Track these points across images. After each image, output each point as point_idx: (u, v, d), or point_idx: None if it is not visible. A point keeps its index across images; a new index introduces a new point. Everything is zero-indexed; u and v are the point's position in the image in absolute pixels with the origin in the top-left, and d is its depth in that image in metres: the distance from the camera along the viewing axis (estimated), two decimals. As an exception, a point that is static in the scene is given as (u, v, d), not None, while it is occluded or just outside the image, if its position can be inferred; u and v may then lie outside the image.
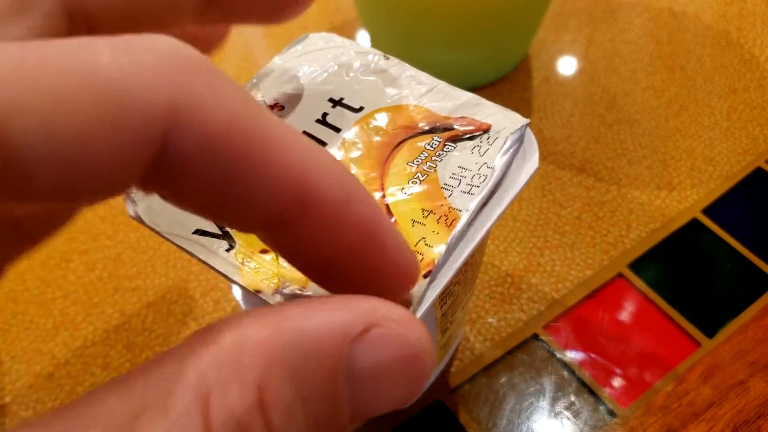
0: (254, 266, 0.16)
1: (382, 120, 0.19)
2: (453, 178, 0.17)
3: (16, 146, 0.08)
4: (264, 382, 0.09)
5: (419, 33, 0.33)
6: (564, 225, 0.31)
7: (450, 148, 0.18)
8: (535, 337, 0.28)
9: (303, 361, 0.09)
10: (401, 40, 0.34)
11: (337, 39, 0.22)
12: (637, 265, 0.30)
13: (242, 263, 0.16)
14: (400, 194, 0.17)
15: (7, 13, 0.12)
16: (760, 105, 0.36)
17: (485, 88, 0.37)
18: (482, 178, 0.17)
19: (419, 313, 0.15)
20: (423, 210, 0.17)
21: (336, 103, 0.19)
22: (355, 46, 0.21)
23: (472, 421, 0.26)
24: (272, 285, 0.16)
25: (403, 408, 0.10)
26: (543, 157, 0.34)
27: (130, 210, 0.17)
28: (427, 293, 0.16)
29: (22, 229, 0.14)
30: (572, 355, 0.27)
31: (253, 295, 0.16)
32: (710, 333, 0.28)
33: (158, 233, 0.17)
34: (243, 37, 0.41)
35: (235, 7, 0.15)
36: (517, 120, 0.18)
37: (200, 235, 0.17)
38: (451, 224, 0.16)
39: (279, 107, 0.20)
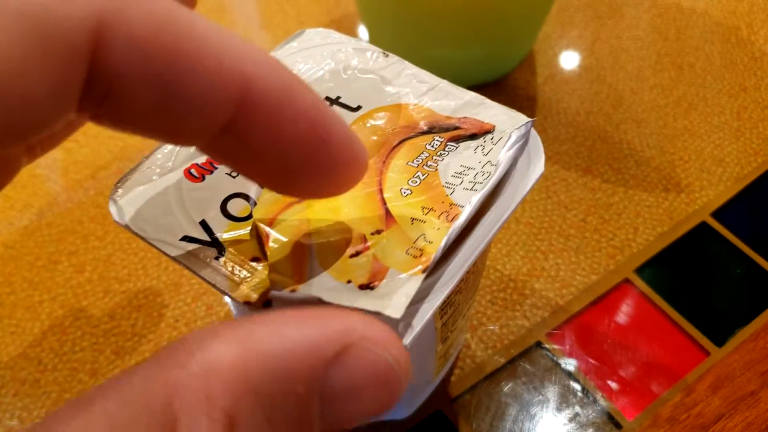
0: (244, 275, 0.15)
1: (380, 119, 0.18)
2: (455, 177, 0.17)
3: None
4: (234, 413, 0.08)
5: (420, 28, 0.32)
6: (569, 228, 0.30)
7: (452, 147, 0.17)
8: (539, 344, 0.27)
9: (275, 387, 0.09)
10: (401, 36, 0.33)
11: (334, 35, 0.21)
12: (644, 270, 0.29)
13: (232, 272, 0.15)
14: (399, 193, 0.16)
15: None
16: (771, 104, 0.35)
17: (487, 86, 0.36)
18: (485, 175, 0.17)
19: (409, 339, 0.14)
20: (423, 208, 0.16)
21: (333, 101, 0.19)
22: (353, 43, 0.20)
23: (472, 432, 0.25)
24: (261, 294, 0.15)
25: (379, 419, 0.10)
26: (547, 157, 0.33)
27: (115, 215, 0.16)
28: (425, 306, 0.15)
29: None
30: (577, 364, 0.26)
31: (243, 306, 0.16)
32: (719, 342, 0.27)
33: (144, 239, 0.16)
34: (237, 33, 0.40)
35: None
36: (522, 120, 0.18)
37: (188, 242, 0.16)
38: (452, 219, 0.16)
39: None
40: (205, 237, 0.16)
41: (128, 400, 0.08)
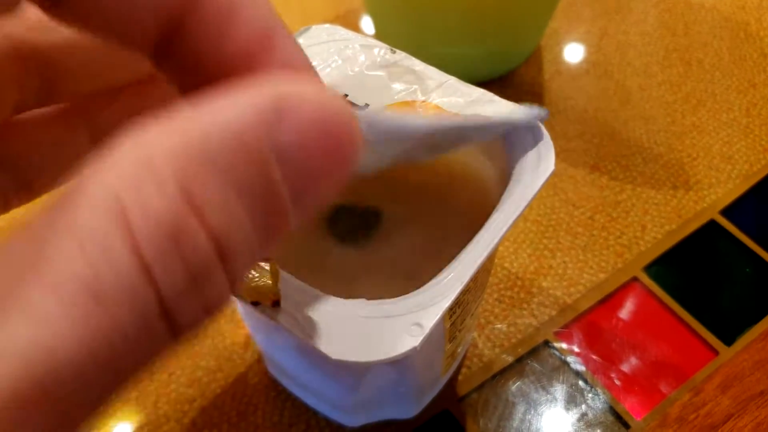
0: (252, 275, 0.15)
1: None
2: None
3: None
4: (187, 182, 0.08)
5: (427, 23, 0.32)
6: (576, 226, 0.30)
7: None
8: (546, 343, 0.27)
9: (226, 155, 0.08)
10: (408, 31, 0.33)
11: (341, 31, 0.20)
12: (652, 269, 0.29)
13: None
14: None
15: None
16: (781, 101, 0.35)
17: (493, 82, 0.36)
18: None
19: (420, 340, 0.14)
20: None
21: (340, 99, 0.18)
22: (360, 39, 0.20)
23: (480, 431, 0.25)
24: (270, 294, 0.15)
25: (334, 196, 0.10)
26: (555, 155, 0.33)
27: None
28: (435, 306, 0.15)
29: (17, 174, 0.13)
30: (585, 363, 0.26)
31: (250, 306, 0.15)
32: (729, 341, 0.27)
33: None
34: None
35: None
36: (534, 110, 0.18)
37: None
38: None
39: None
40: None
41: (61, 208, 0.07)
